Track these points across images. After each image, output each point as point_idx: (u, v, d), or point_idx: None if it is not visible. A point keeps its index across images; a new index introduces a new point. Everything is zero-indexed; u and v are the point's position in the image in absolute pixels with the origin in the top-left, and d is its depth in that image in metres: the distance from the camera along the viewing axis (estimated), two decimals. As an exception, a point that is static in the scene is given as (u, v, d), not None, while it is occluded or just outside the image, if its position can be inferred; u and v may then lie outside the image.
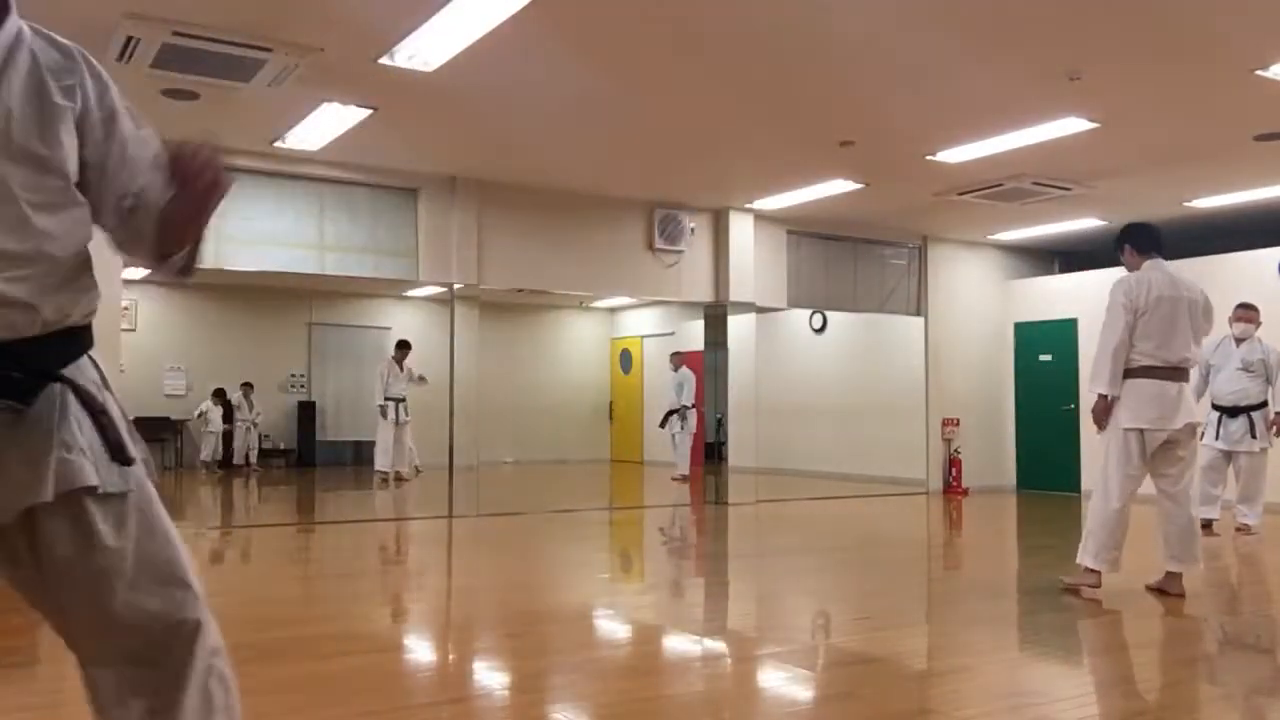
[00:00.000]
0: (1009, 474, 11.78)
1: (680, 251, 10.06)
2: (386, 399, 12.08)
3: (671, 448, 13.20)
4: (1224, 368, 7.83)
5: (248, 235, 8.01)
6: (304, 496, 12.08)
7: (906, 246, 11.50)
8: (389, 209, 8.82)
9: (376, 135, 7.44)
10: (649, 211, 9.91)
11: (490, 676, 3.85)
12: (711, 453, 11.24)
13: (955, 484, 11.37)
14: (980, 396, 11.76)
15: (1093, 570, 5.08)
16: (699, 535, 8.65)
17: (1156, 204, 9.59)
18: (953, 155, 7.86)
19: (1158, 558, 5.19)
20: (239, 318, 14.89)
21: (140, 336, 14.04)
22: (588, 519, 9.41)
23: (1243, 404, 7.74)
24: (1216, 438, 7.81)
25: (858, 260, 11.25)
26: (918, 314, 11.59)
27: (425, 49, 5.69)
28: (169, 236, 1.58)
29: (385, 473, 12.09)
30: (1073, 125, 7.03)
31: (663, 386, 13.78)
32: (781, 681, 3.73)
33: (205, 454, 14.27)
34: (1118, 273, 5.42)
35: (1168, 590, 5.12)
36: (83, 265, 1.55)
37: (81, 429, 1.49)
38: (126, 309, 13.17)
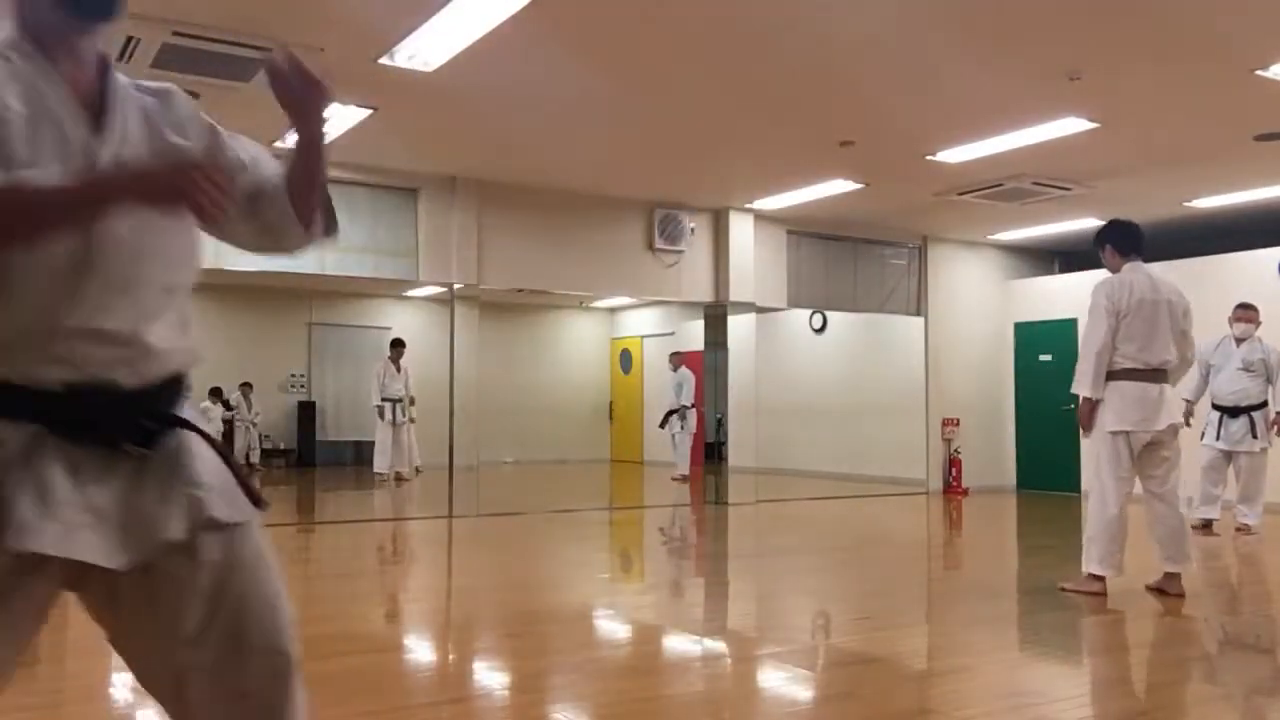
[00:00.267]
0: (1009, 474, 11.78)
1: (680, 251, 10.06)
2: (384, 399, 12.06)
3: (671, 448, 13.20)
4: (1224, 368, 7.84)
5: (248, 235, 8.00)
6: (304, 496, 12.08)
7: (906, 246, 11.49)
8: (389, 209, 8.82)
9: (376, 135, 7.44)
10: (649, 211, 9.91)
11: (490, 676, 3.85)
12: (711, 453, 11.25)
13: (955, 484, 11.37)
14: (980, 396, 11.76)
15: (1097, 577, 5.08)
16: (699, 535, 8.65)
17: (1156, 204, 9.60)
18: (953, 155, 7.86)
19: (1154, 559, 5.21)
20: (239, 318, 14.87)
21: (140, 336, 14.02)
22: (588, 519, 9.41)
23: (1243, 404, 7.74)
24: (1217, 438, 7.81)
25: (858, 260, 11.25)
26: (918, 314, 11.59)
27: (425, 49, 5.69)
28: (301, 196, 1.67)
29: (384, 474, 12.08)
30: (1073, 125, 7.03)
31: (662, 386, 13.78)
32: (781, 681, 3.73)
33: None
34: (1157, 276, 5.37)
35: (1167, 590, 5.13)
36: (189, 303, 1.59)
37: (207, 466, 1.52)
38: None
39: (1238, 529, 7.76)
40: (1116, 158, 7.95)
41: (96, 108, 1.47)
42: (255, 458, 14.69)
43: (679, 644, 4.41)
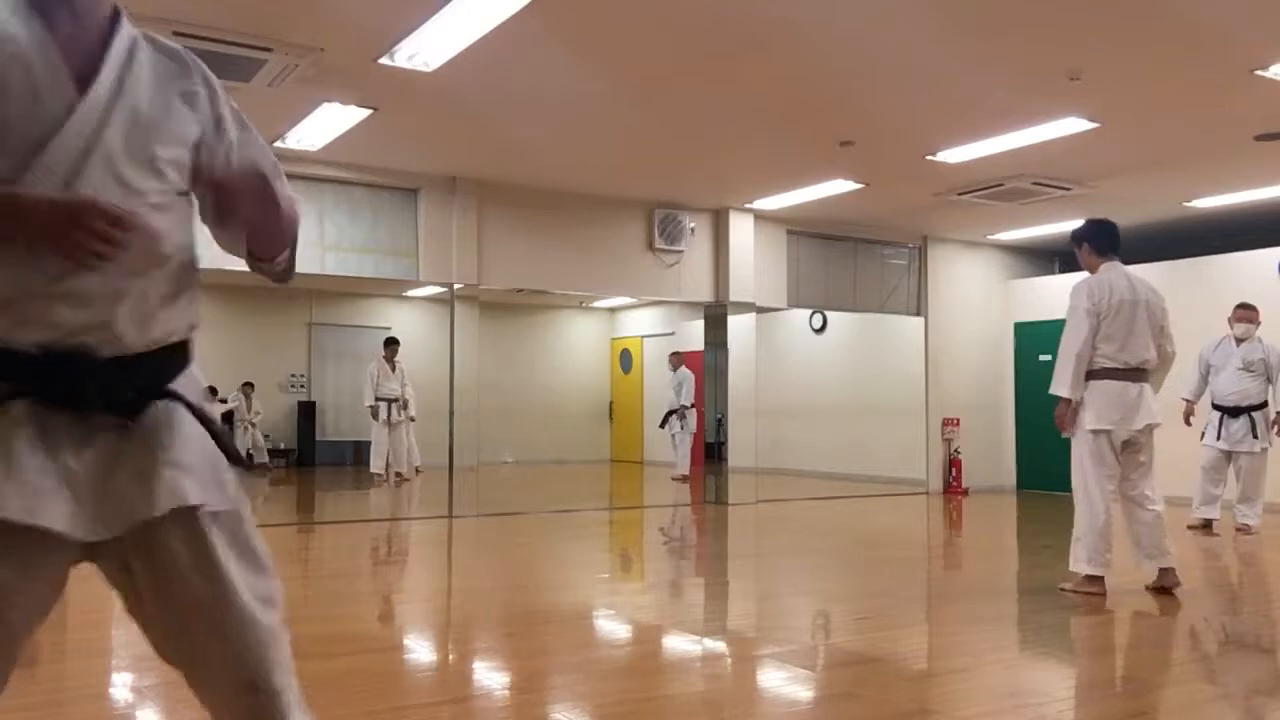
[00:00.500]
0: (1009, 474, 11.78)
1: (680, 251, 10.06)
2: (378, 399, 12.03)
3: (671, 448, 13.20)
4: (1224, 368, 7.84)
5: (248, 235, 8.00)
6: (304, 496, 12.08)
7: (906, 246, 11.50)
8: (389, 209, 8.82)
9: (376, 135, 7.44)
10: (649, 211, 9.91)
11: (490, 676, 3.85)
12: (711, 453, 11.25)
13: (955, 484, 11.37)
14: (980, 396, 11.76)
15: (1095, 577, 5.09)
16: (699, 535, 8.65)
17: (1156, 204, 9.60)
18: (953, 155, 7.86)
19: (1133, 559, 5.26)
20: (239, 318, 14.87)
21: (140, 336, 14.02)
22: (588, 519, 9.41)
23: (1244, 404, 7.75)
24: (1218, 438, 7.82)
25: (858, 260, 11.25)
26: (918, 314, 11.59)
27: (425, 49, 5.69)
28: (257, 244, 1.61)
29: (380, 474, 12.06)
30: (1073, 125, 7.03)
31: (663, 386, 13.78)
32: (781, 681, 3.73)
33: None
34: (1134, 275, 5.40)
35: (1166, 584, 5.18)
36: (188, 275, 1.55)
37: (189, 445, 1.49)
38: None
39: (1238, 529, 7.76)
40: (1116, 158, 7.95)
41: (93, 67, 1.44)
42: (262, 458, 14.69)
43: (679, 644, 4.41)
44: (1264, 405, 7.73)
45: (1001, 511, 10.12)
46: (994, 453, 11.75)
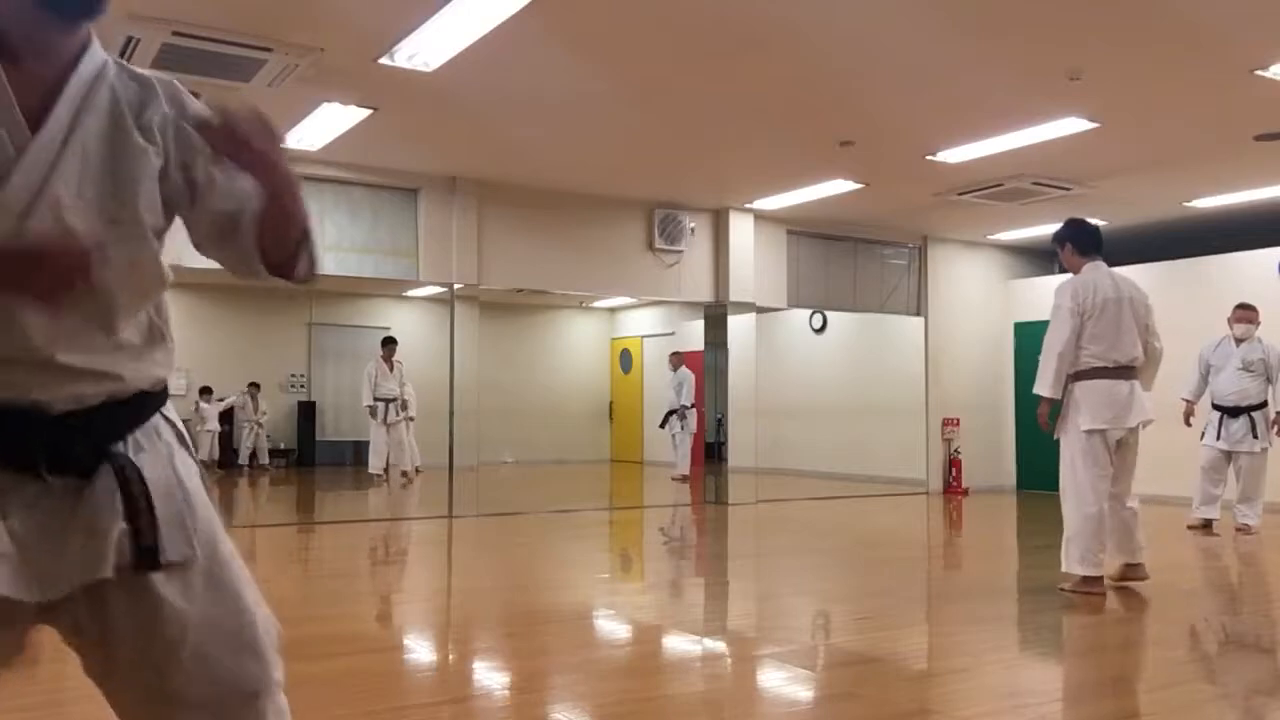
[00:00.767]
0: (1009, 474, 11.78)
1: (680, 251, 10.06)
2: (376, 399, 12.01)
3: (671, 448, 13.20)
4: (1224, 368, 7.84)
5: (248, 235, 8.00)
6: (304, 496, 12.08)
7: (906, 246, 11.49)
8: (389, 209, 8.82)
9: (376, 135, 7.44)
10: (649, 211, 9.91)
11: (490, 676, 3.85)
12: (711, 453, 11.24)
13: (955, 484, 11.37)
14: (980, 396, 11.76)
15: (1094, 578, 5.10)
16: (699, 535, 8.65)
17: (1156, 204, 9.60)
18: (953, 155, 7.86)
19: (1107, 554, 5.30)
20: (239, 318, 14.88)
21: (140, 336, 14.00)
22: (588, 519, 9.41)
23: (1243, 404, 7.75)
24: (1218, 438, 7.81)
25: (858, 260, 11.25)
26: (918, 314, 11.59)
27: (425, 49, 5.69)
28: (270, 241, 1.50)
29: (379, 474, 12.05)
30: (1073, 125, 7.03)
31: (663, 386, 13.78)
32: (781, 681, 3.73)
33: (202, 454, 14.26)
34: (1116, 273, 5.45)
35: (1132, 576, 5.25)
36: (155, 325, 1.47)
37: (145, 499, 1.40)
38: (126, 309, 13.15)
39: (1238, 529, 7.76)
40: (1116, 158, 7.95)
41: (47, 104, 1.36)
42: (264, 459, 14.69)
43: (679, 644, 4.41)
44: (1264, 405, 7.73)
45: (1001, 511, 10.12)
46: (994, 453, 11.75)
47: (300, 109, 6.87)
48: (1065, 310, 5.15)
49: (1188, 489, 8.08)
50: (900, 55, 5.84)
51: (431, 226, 8.90)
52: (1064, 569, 5.20)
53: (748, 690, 3.69)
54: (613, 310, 17.43)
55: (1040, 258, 12.22)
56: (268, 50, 5.64)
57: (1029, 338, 11.69)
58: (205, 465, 14.34)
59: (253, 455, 14.67)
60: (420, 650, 4.30)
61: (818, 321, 13.79)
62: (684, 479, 12.70)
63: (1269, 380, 7.73)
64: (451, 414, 9.08)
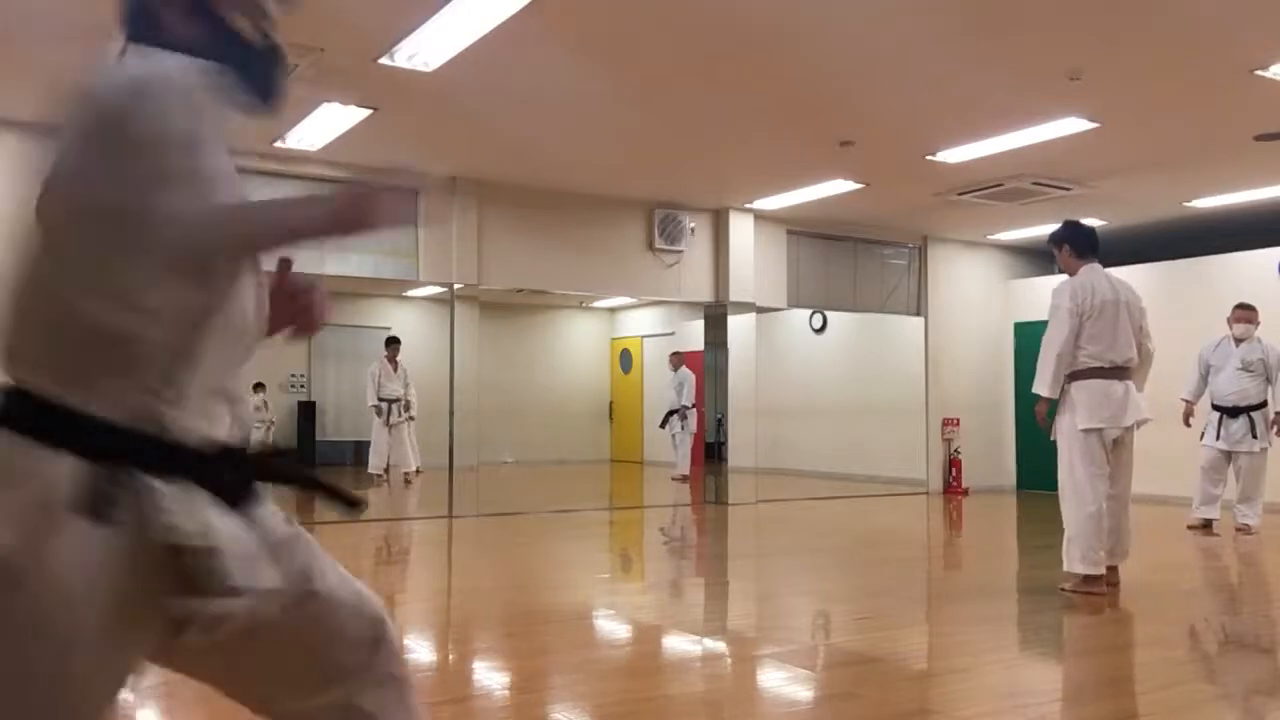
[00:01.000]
0: (1009, 474, 11.77)
1: (680, 251, 10.06)
2: (380, 399, 12.00)
3: (671, 448, 13.20)
4: (1224, 368, 7.84)
5: (248, 235, 8.00)
6: (304, 496, 12.05)
7: (906, 246, 11.49)
8: (389, 209, 8.80)
9: (376, 135, 7.44)
10: (649, 211, 9.91)
11: (490, 676, 3.85)
12: (711, 453, 11.24)
13: (955, 484, 11.37)
14: (980, 396, 11.76)
15: (1094, 577, 5.11)
16: (699, 535, 8.65)
17: (1156, 204, 9.60)
18: (953, 155, 7.86)
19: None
20: (239, 318, 14.86)
21: (140, 336, 14.02)
22: (588, 519, 9.41)
23: (1243, 404, 7.75)
24: (1217, 438, 7.81)
25: (858, 260, 11.25)
26: (918, 314, 11.59)
27: (425, 49, 5.69)
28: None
29: (380, 475, 12.03)
30: (1073, 125, 7.03)
31: (663, 386, 13.78)
32: (781, 681, 3.73)
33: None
34: (1117, 273, 5.49)
35: (1106, 580, 5.24)
36: None
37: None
38: (126, 309, 13.16)
39: (1238, 529, 7.76)
40: (1116, 158, 7.95)
41: None
42: None
43: (679, 644, 4.41)
44: (1263, 405, 7.73)
45: (1001, 511, 10.12)
46: (994, 453, 11.75)
47: (300, 109, 6.87)
48: (1065, 311, 5.20)
49: (1188, 489, 8.08)
50: (900, 55, 5.84)
51: (431, 227, 8.90)
52: (1065, 569, 5.21)
53: (748, 690, 3.69)
54: (613, 310, 17.43)
55: (1040, 258, 12.22)
56: (268, 50, 5.63)
57: (1029, 338, 11.69)
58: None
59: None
60: (420, 650, 4.30)
61: (818, 321, 13.79)
62: (684, 479, 12.70)
63: (1268, 380, 7.73)
64: (451, 414, 9.08)
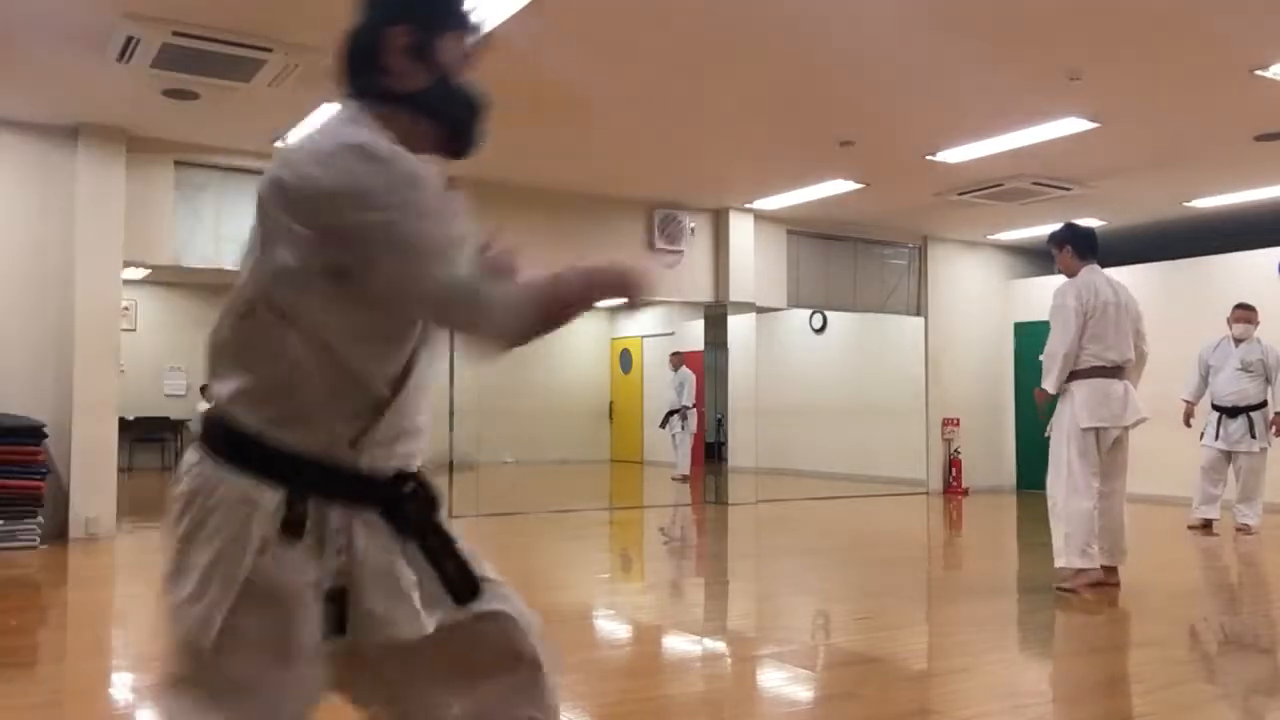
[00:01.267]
0: (1009, 474, 11.77)
1: (680, 251, 10.06)
2: None
3: (671, 448, 13.20)
4: (1223, 368, 7.85)
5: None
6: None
7: (906, 246, 11.50)
8: (389, 209, 8.80)
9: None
10: (649, 211, 9.91)
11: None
12: (711, 453, 11.24)
13: (955, 484, 11.37)
14: (980, 396, 11.76)
15: (1084, 570, 5.14)
16: (699, 535, 8.65)
17: (1156, 204, 9.60)
18: (953, 155, 7.86)
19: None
20: (239, 318, 14.86)
21: (140, 336, 14.04)
22: (588, 519, 9.41)
23: (1242, 404, 7.75)
24: (1216, 438, 7.82)
25: (858, 260, 11.25)
26: (918, 314, 11.59)
27: (425, 49, 5.68)
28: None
29: None
30: (1073, 125, 7.03)
31: (663, 386, 13.78)
32: (781, 681, 3.73)
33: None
34: (1117, 274, 5.53)
35: (1106, 581, 5.27)
36: None
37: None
38: (126, 309, 13.16)
39: (1237, 529, 7.76)
40: (1116, 158, 7.95)
41: None
42: None
43: (679, 644, 4.41)
44: (1263, 405, 7.73)
45: (1001, 511, 10.12)
46: (994, 453, 11.75)
47: (300, 109, 6.87)
48: (1070, 311, 5.28)
49: (1188, 489, 8.08)
50: (900, 55, 5.84)
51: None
52: (1062, 564, 5.21)
53: (748, 690, 3.69)
54: (612, 310, 17.43)
55: (1040, 258, 12.22)
56: (268, 50, 5.64)
57: (1029, 338, 11.70)
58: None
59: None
60: (420, 650, 4.29)
61: (818, 321, 13.79)
62: (684, 479, 12.70)
63: (1268, 380, 7.74)
64: (451, 414, 9.08)
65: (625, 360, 17.34)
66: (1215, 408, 7.89)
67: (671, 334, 15.66)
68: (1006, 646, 4.45)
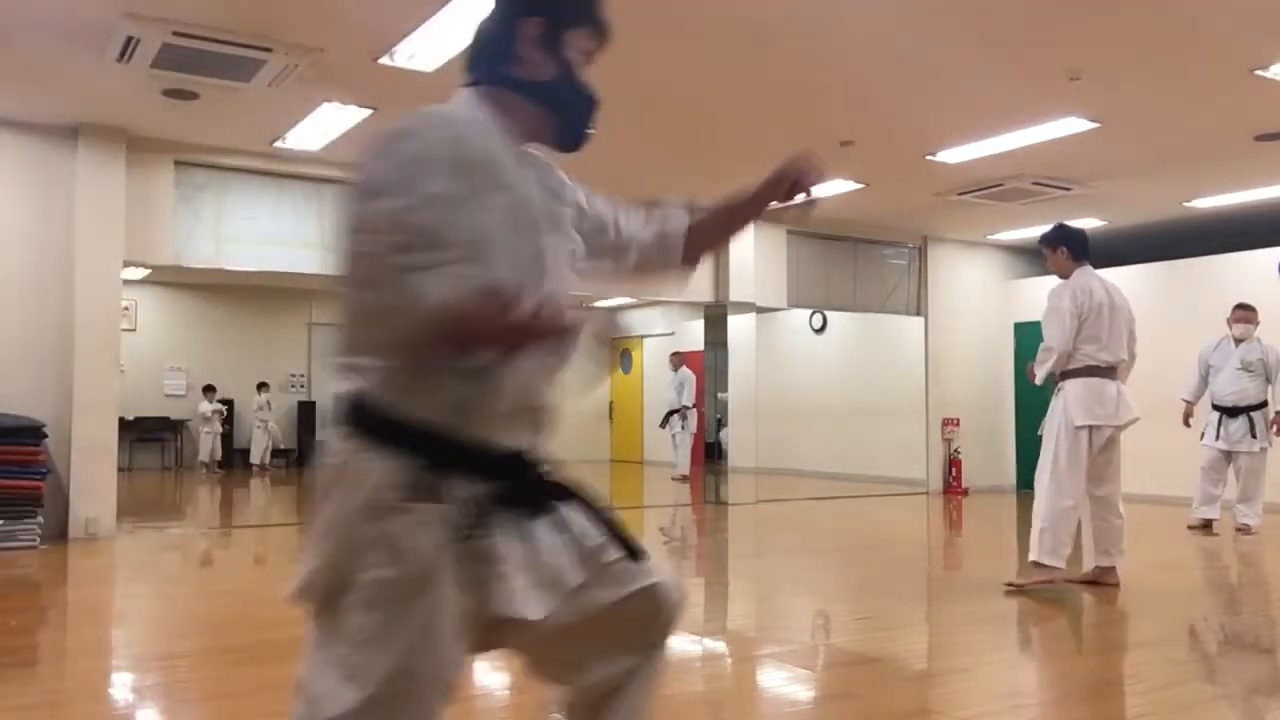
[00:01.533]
0: (1009, 474, 11.77)
1: (680, 251, 10.04)
2: None
3: (671, 448, 13.20)
4: (1223, 368, 7.85)
5: (248, 235, 8.01)
6: (304, 496, 12.07)
7: (906, 246, 11.50)
8: (389, 209, 8.80)
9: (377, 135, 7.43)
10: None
11: (490, 676, 3.85)
12: (711, 453, 11.25)
13: (955, 484, 11.37)
14: (980, 396, 11.76)
15: (1049, 566, 5.14)
16: (699, 535, 8.65)
17: (1156, 204, 9.60)
18: (953, 155, 7.86)
19: (1084, 553, 5.37)
20: (239, 318, 14.89)
21: (140, 336, 14.04)
22: (588, 519, 9.39)
23: (1242, 404, 7.75)
24: (1217, 438, 7.82)
25: (858, 260, 11.25)
26: (918, 314, 11.59)
27: (425, 49, 5.69)
28: (712, 245, 2.10)
29: None
30: (1073, 125, 7.03)
31: (663, 386, 13.78)
32: (781, 681, 3.73)
33: (204, 454, 14.26)
34: (1117, 274, 5.54)
35: (1104, 581, 5.29)
36: None
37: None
38: (126, 309, 13.17)
39: (1238, 529, 7.76)
40: (1116, 158, 7.95)
41: None
42: (267, 459, 14.70)
43: (679, 644, 4.41)
44: (1263, 405, 7.74)
45: (1001, 511, 10.12)
46: (994, 453, 11.75)
47: (300, 109, 6.87)
48: (1066, 311, 5.29)
49: (1188, 489, 8.08)
50: (900, 55, 5.84)
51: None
52: (1034, 558, 5.21)
53: (748, 690, 3.69)
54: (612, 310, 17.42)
55: (1040, 258, 12.20)
56: (268, 50, 5.64)
57: (1029, 338, 11.67)
58: (206, 465, 14.36)
59: (262, 456, 14.68)
60: (420, 650, 4.30)
61: (818, 321, 13.80)
62: (684, 479, 12.70)
63: (1268, 380, 7.74)
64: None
65: (625, 360, 17.34)
66: (1215, 408, 7.89)
67: (671, 334, 15.67)
68: (1006, 646, 4.45)
